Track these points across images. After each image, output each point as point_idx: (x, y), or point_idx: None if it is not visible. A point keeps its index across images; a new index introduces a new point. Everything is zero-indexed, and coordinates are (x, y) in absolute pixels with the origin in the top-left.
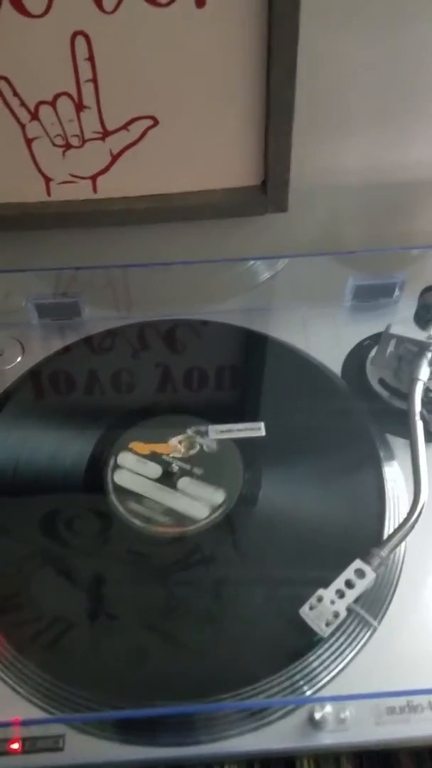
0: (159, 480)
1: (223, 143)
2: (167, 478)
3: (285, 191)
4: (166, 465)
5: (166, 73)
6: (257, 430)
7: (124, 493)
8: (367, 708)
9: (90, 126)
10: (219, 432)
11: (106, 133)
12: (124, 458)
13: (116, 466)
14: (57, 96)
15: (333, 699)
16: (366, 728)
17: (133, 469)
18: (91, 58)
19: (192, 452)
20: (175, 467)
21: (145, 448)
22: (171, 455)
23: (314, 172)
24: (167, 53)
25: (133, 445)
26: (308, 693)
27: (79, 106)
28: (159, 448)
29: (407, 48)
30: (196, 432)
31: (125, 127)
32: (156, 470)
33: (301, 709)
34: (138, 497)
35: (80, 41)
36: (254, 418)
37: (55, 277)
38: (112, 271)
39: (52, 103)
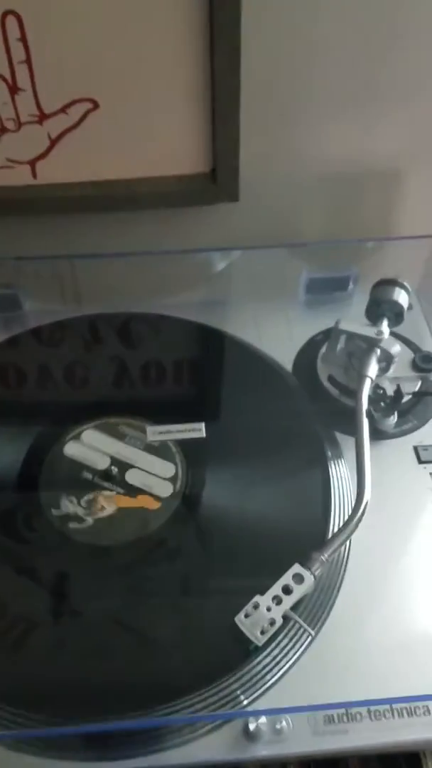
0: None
1: (169, 129)
2: (116, 482)
3: (235, 180)
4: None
5: (104, 54)
6: (198, 431)
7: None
8: (304, 718)
9: (26, 109)
10: (157, 433)
11: (43, 117)
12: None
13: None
14: None
15: (262, 713)
16: (303, 739)
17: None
18: (23, 39)
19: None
20: (113, 470)
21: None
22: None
23: (266, 161)
24: (104, 34)
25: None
26: (245, 702)
27: (14, 89)
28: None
29: (359, 37)
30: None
31: (63, 110)
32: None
33: (236, 720)
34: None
35: (11, 21)
36: (200, 416)
37: None
38: (59, 262)
39: None
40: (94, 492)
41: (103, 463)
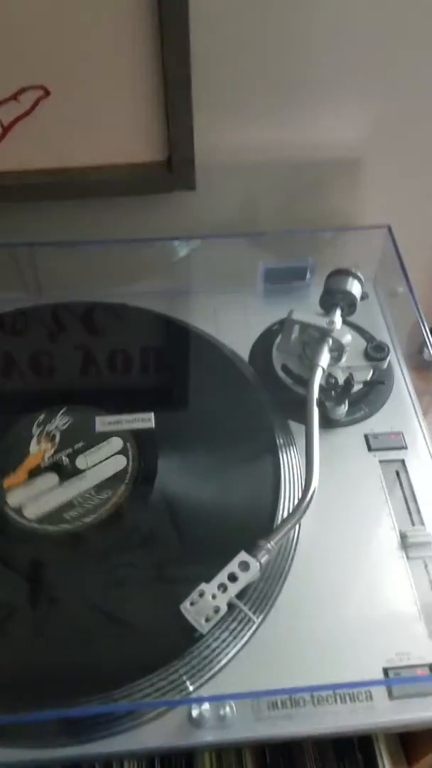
0: (62, 480)
1: (122, 118)
2: (67, 472)
3: (191, 168)
4: (53, 467)
5: (53, 42)
6: (147, 421)
7: (48, 518)
8: (248, 704)
9: None
10: (106, 423)
11: None
12: (14, 497)
13: (17, 509)
14: None
15: (204, 699)
16: (247, 724)
17: (32, 497)
18: None
19: (57, 440)
20: (63, 460)
21: (20, 475)
22: (46, 458)
23: (222, 149)
24: (53, 21)
25: (7, 482)
26: (190, 689)
27: None
28: (31, 462)
29: (313, 25)
30: (39, 425)
31: (14, 97)
32: (50, 478)
33: (181, 707)
34: (66, 505)
35: None
36: (153, 406)
37: None
38: (18, 251)
39: None
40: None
41: (53, 479)
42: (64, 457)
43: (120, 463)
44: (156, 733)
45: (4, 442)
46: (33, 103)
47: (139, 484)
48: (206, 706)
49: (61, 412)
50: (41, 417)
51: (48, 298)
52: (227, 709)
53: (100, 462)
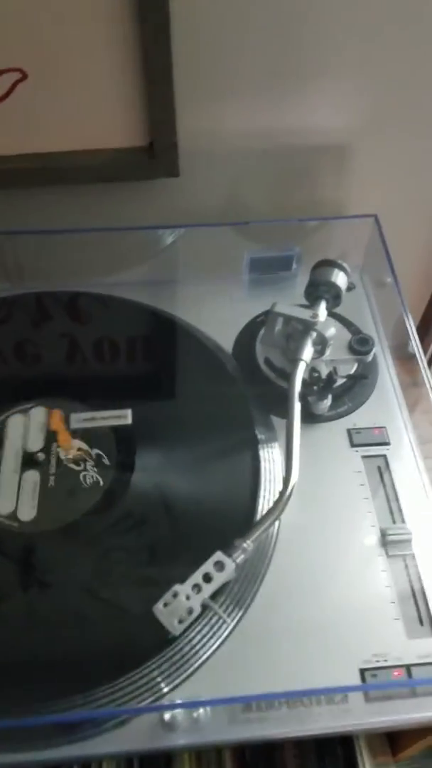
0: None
1: (102, 101)
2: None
3: (174, 154)
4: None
5: (31, 22)
6: (123, 417)
7: None
8: (221, 706)
9: None
10: (81, 420)
11: None
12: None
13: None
14: None
15: (177, 706)
16: (221, 727)
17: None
18: None
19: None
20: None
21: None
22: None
23: (205, 135)
24: (31, 2)
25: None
26: (164, 690)
27: None
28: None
29: (297, 7)
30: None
31: None
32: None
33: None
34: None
35: None
36: (133, 398)
37: None
38: None
39: None
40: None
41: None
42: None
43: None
44: (129, 737)
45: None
46: (10, 86)
47: (114, 479)
48: (179, 710)
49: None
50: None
51: (29, 287)
52: (200, 711)
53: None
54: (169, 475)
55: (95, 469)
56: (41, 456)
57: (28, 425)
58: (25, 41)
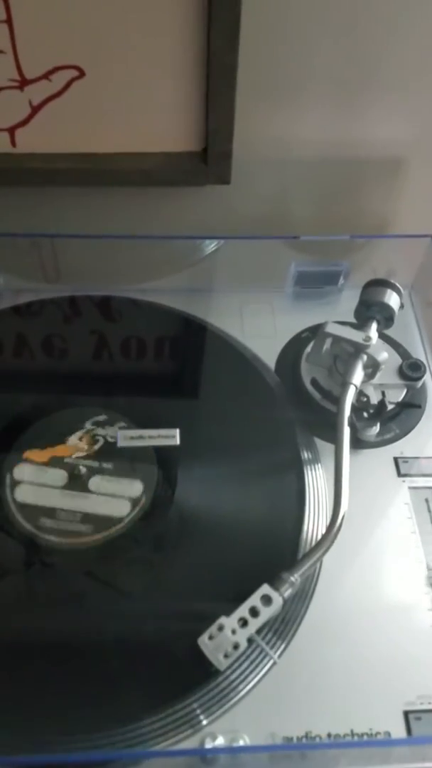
0: (67, 486)
1: (159, 104)
2: (76, 482)
3: (227, 162)
4: (71, 468)
5: (92, 19)
6: (172, 438)
7: (30, 510)
8: (263, 740)
9: (6, 73)
10: (129, 438)
11: (24, 82)
12: (21, 471)
13: (14, 483)
14: None
15: (221, 751)
16: (260, 765)
17: (34, 481)
18: None
19: (96, 447)
20: (81, 469)
21: (43, 455)
22: (74, 456)
23: (261, 142)
24: None
25: (29, 454)
26: (204, 723)
27: None
28: (58, 451)
29: (363, 20)
30: (96, 424)
31: (46, 76)
32: (60, 476)
33: (191, 740)
34: (48, 511)
35: None
36: (174, 414)
37: None
38: (41, 240)
39: None
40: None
41: (61, 479)
42: (83, 467)
43: (122, 509)
44: None
45: (53, 418)
46: (66, 83)
47: (153, 504)
48: (220, 740)
49: (119, 425)
50: (102, 418)
51: (65, 289)
52: (240, 743)
53: (108, 495)
54: (211, 498)
55: (134, 490)
56: (83, 470)
57: (99, 435)
58: (84, 38)
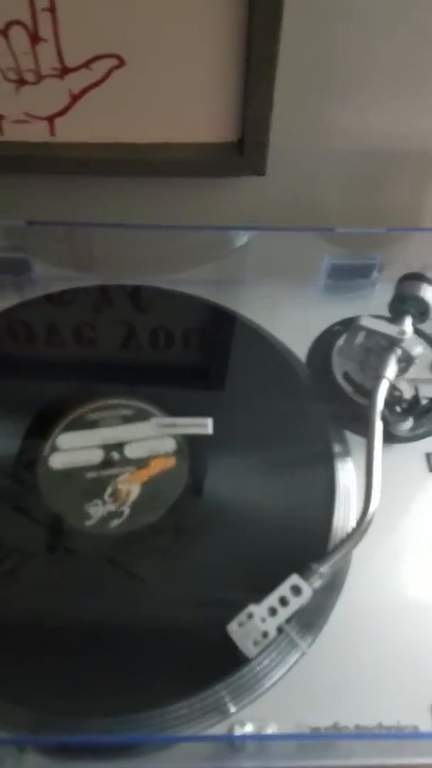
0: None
1: (197, 93)
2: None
3: (263, 153)
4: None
5: (133, 8)
6: (204, 426)
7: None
8: (290, 729)
9: (47, 61)
10: (162, 426)
11: (65, 71)
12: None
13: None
14: (9, 24)
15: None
16: (288, 752)
17: (72, 448)
18: None
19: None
20: (115, 455)
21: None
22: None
23: (298, 134)
24: None
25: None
26: (232, 710)
27: (35, 38)
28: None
29: (410, 8)
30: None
31: (87, 65)
32: (96, 455)
33: (219, 727)
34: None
35: None
36: (202, 403)
37: (4, 228)
38: (72, 227)
39: (4, 32)
40: (110, 483)
41: (97, 456)
42: (112, 453)
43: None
44: (192, 755)
45: (81, 415)
46: (105, 72)
47: (183, 496)
48: (249, 728)
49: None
50: (130, 412)
51: (98, 278)
52: (269, 731)
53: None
54: (241, 487)
55: (164, 478)
56: (114, 455)
57: (82, 436)
58: (125, 27)
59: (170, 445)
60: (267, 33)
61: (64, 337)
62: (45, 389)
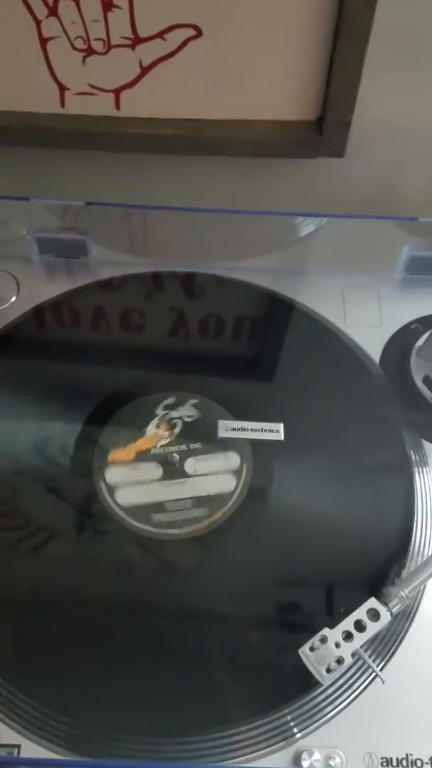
0: (164, 477)
1: (277, 68)
2: (172, 470)
3: (345, 133)
4: (161, 458)
5: None
6: (275, 432)
7: (137, 511)
8: (360, 757)
9: (119, 30)
10: (229, 430)
11: (137, 40)
12: (113, 474)
13: (110, 488)
14: None
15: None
16: None
17: (130, 481)
18: None
19: (176, 431)
20: (174, 456)
21: (128, 453)
22: (158, 445)
23: (381, 114)
24: None
25: (114, 456)
26: (297, 735)
27: (108, 5)
28: (141, 444)
29: None
30: (167, 408)
31: (161, 35)
32: (154, 468)
33: (286, 751)
34: (156, 506)
35: None
36: (268, 405)
37: (62, 208)
38: (132, 211)
39: None
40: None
41: (156, 471)
42: (175, 454)
43: (228, 484)
44: None
45: (124, 413)
46: (180, 43)
47: (245, 506)
48: (317, 755)
49: (191, 402)
50: (171, 400)
51: (155, 264)
52: (337, 759)
53: (209, 474)
54: (311, 500)
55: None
56: (176, 457)
57: (176, 418)
58: None
59: (235, 461)
60: (362, 8)
61: (111, 324)
62: (100, 378)
